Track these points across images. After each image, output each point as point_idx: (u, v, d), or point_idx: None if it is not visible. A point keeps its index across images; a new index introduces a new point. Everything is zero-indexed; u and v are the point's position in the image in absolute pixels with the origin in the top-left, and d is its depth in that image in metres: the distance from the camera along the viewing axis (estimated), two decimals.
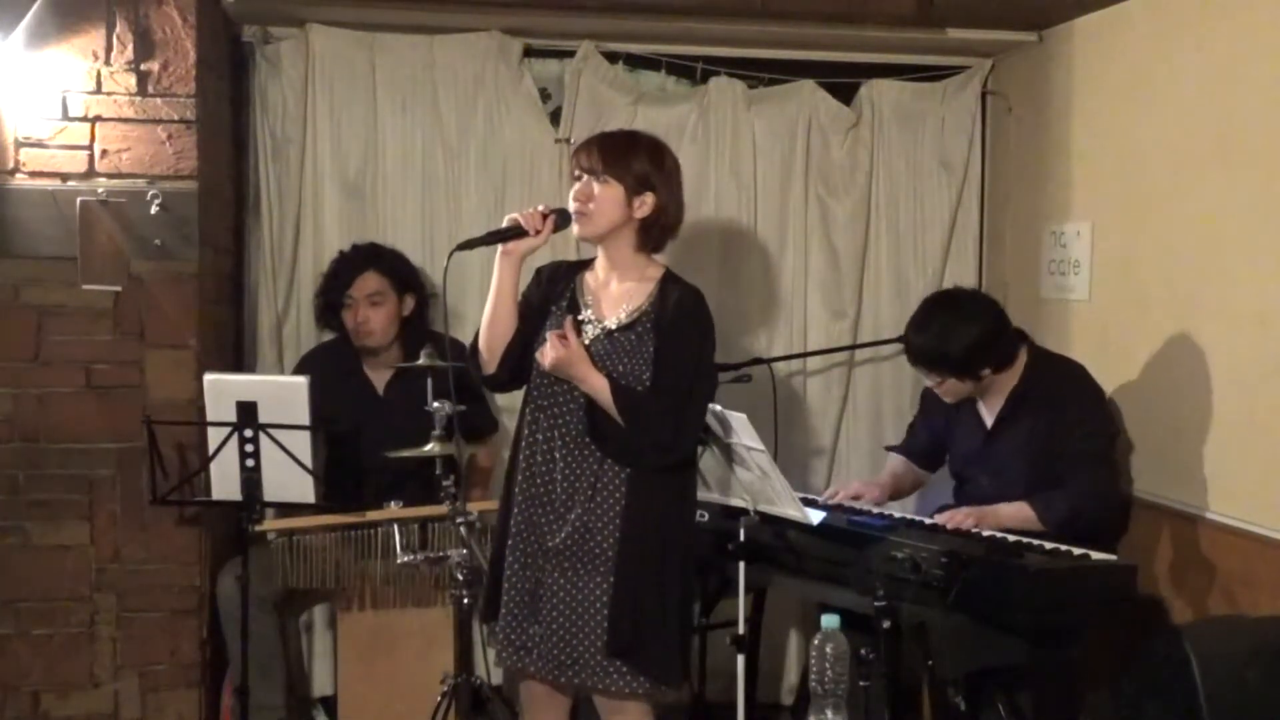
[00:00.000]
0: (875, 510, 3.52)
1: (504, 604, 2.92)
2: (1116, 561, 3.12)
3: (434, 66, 4.17)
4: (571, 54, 4.25)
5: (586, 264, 3.04)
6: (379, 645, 3.59)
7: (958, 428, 3.62)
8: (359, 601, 3.59)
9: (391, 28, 4.14)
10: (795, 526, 3.16)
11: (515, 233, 2.87)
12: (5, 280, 3.60)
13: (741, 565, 3.07)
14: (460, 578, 3.05)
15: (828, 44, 4.32)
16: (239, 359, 4.16)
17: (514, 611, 2.90)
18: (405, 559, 3.26)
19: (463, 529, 3.04)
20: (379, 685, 3.58)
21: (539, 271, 3.06)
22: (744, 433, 3.00)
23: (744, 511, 3.12)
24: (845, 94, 4.45)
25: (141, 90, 3.61)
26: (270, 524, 3.43)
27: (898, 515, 3.45)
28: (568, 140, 4.17)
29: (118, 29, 3.60)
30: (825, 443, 4.45)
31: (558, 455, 2.88)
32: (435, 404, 3.02)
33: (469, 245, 2.92)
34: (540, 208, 2.91)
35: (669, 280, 2.94)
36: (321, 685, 4.03)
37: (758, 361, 4.13)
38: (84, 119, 3.60)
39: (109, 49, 3.60)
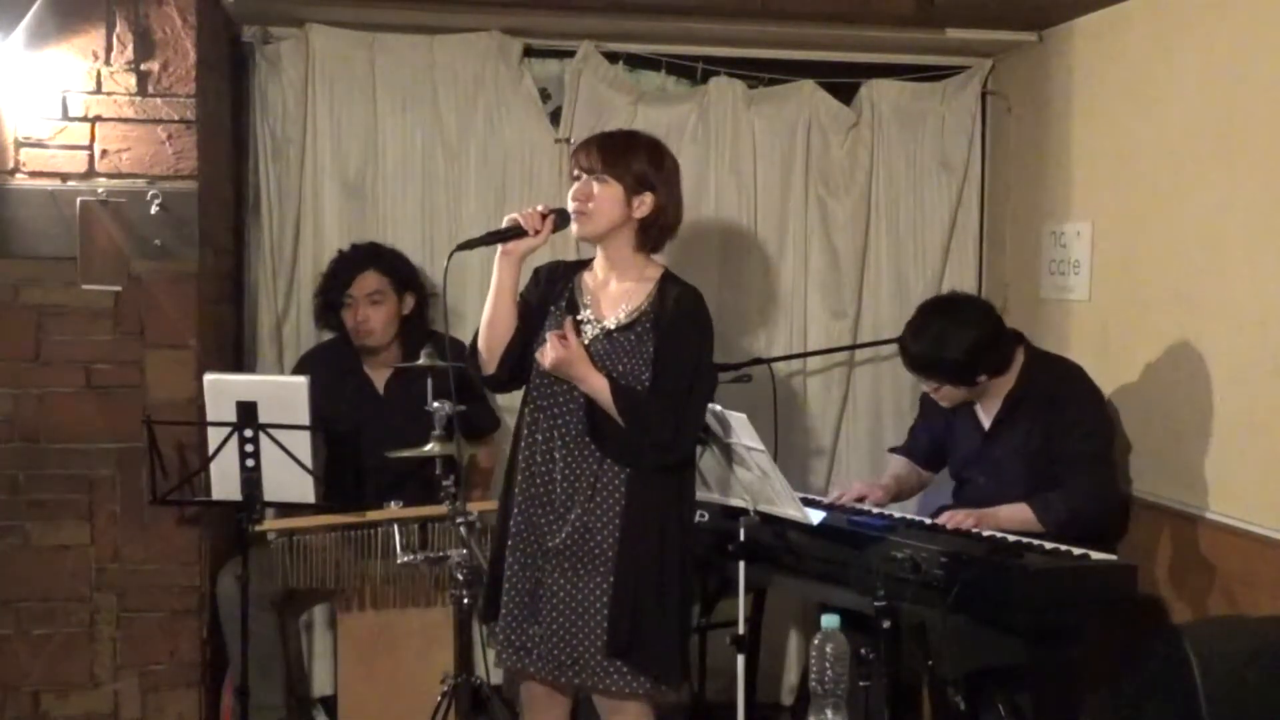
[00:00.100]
0: (875, 510, 3.52)
1: (504, 604, 2.92)
2: (1116, 561, 3.12)
3: (434, 66, 4.17)
4: (571, 54, 4.25)
5: (585, 264, 3.04)
6: (379, 645, 3.59)
7: (956, 429, 3.63)
8: (359, 601, 3.59)
9: (391, 28, 4.14)
10: (795, 526, 3.16)
11: (515, 233, 2.87)
12: (5, 280, 3.59)
13: (741, 565, 3.07)
14: (460, 578, 3.05)
15: (828, 44, 4.32)
16: (239, 359, 4.16)
17: (514, 612, 2.90)
18: (405, 559, 3.26)
19: (463, 529, 3.03)
20: (379, 685, 3.58)
21: (537, 271, 3.06)
22: (744, 433, 3.00)
23: (744, 511, 3.11)
24: (845, 94, 4.45)
25: (141, 90, 3.61)
26: (270, 524, 3.43)
27: (898, 515, 3.45)
28: (568, 140, 4.17)
29: (118, 29, 3.60)
30: (825, 443, 4.45)
31: (557, 455, 2.88)
32: (435, 404, 3.02)
33: (469, 245, 2.92)
34: (540, 208, 2.92)
35: (668, 280, 2.94)
36: (321, 685, 4.03)
37: (758, 361, 4.13)
38: (84, 119, 3.60)
39: (109, 49, 3.60)
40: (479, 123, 4.21)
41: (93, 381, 3.63)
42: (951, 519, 3.31)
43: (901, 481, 3.77)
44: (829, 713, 2.22)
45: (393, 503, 3.41)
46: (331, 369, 3.80)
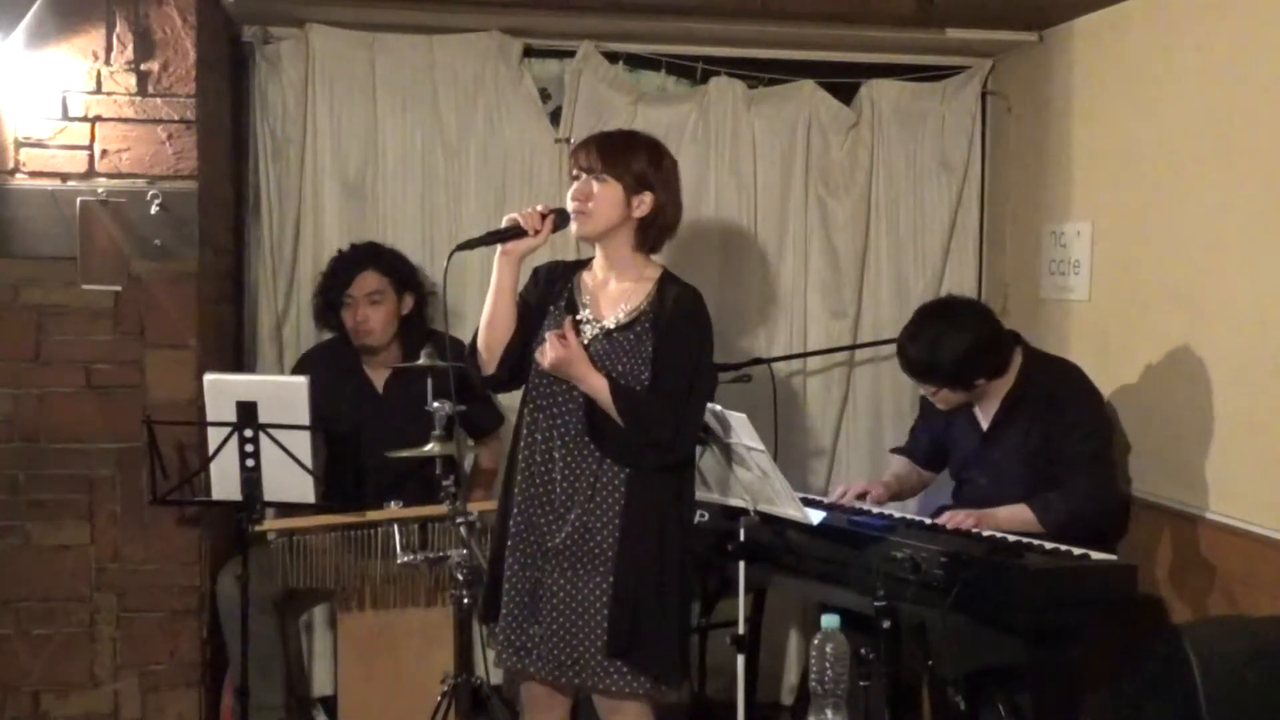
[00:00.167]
0: (875, 510, 3.52)
1: (504, 604, 2.92)
2: (1116, 561, 3.12)
3: (434, 66, 4.17)
4: (571, 54, 4.25)
5: (584, 264, 3.04)
6: (379, 645, 3.59)
7: (956, 430, 3.63)
8: (359, 601, 3.59)
9: (391, 28, 4.14)
10: (795, 526, 3.16)
11: (514, 233, 2.87)
12: (5, 280, 3.59)
13: (741, 565, 3.07)
14: (460, 578, 3.04)
15: (828, 44, 4.32)
16: (239, 359, 4.16)
17: (514, 612, 2.90)
18: (405, 559, 3.26)
19: (463, 529, 3.03)
20: (379, 685, 3.58)
21: (536, 271, 3.06)
22: (744, 433, 3.00)
23: (744, 511, 3.11)
24: (845, 94, 4.45)
25: (141, 90, 3.61)
26: (270, 524, 3.43)
27: (898, 515, 3.45)
28: (568, 140, 4.16)
29: (118, 29, 3.60)
30: (825, 443, 4.45)
31: (557, 455, 2.88)
32: (435, 404, 3.02)
33: (468, 245, 2.92)
34: (539, 207, 2.91)
35: (667, 280, 2.94)
36: (321, 685, 4.04)
37: (758, 361, 4.13)
38: (84, 119, 3.60)
39: (109, 49, 3.60)
40: (479, 123, 4.21)
41: (93, 381, 3.63)
42: (951, 519, 3.31)
43: (902, 480, 3.78)
44: (829, 713, 2.22)
45: (393, 503, 3.41)
46: (331, 369, 3.80)
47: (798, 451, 4.38)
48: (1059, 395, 3.43)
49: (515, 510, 2.92)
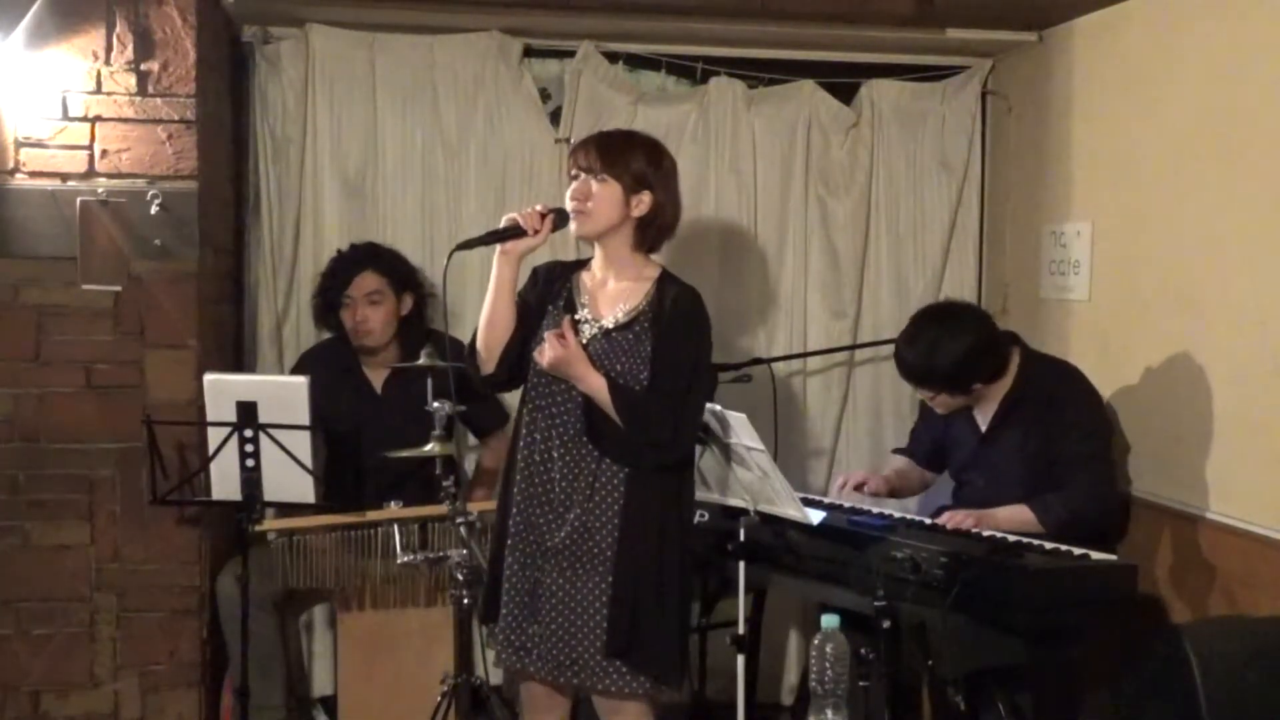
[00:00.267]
0: (875, 510, 3.53)
1: (503, 604, 2.92)
2: (1116, 561, 3.12)
3: (434, 66, 4.17)
4: (571, 54, 4.25)
5: (583, 264, 3.04)
6: (379, 645, 3.59)
7: (955, 431, 3.63)
8: (359, 601, 3.59)
9: (391, 28, 4.14)
10: (795, 526, 3.16)
11: (514, 232, 2.87)
12: (5, 280, 3.59)
13: (741, 565, 3.07)
14: (460, 578, 3.05)
15: (828, 44, 4.32)
16: (239, 359, 4.16)
17: (513, 612, 2.90)
18: (405, 559, 3.26)
19: (463, 529, 3.03)
20: (379, 685, 3.58)
21: (535, 271, 3.06)
22: (744, 433, 3.00)
23: (744, 511, 3.11)
24: (845, 94, 4.45)
25: (141, 90, 3.61)
26: (270, 524, 3.43)
27: (898, 515, 3.45)
28: (568, 140, 4.16)
29: (118, 29, 3.60)
30: (825, 443, 4.45)
31: (556, 455, 2.88)
32: (435, 404, 3.02)
33: (468, 245, 2.92)
34: (538, 207, 2.91)
35: (666, 280, 2.94)
36: (321, 685, 4.03)
37: (758, 361, 4.13)
38: (84, 119, 3.60)
39: (109, 49, 3.60)
40: (479, 123, 4.21)
41: (93, 381, 3.63)
42: (951, 519, 3.31)
43: (904, 477, 3.78)
44: (829, 713, 2.22)
45: (393, 503, 3.42)
46: (330, 368, 3.80)
47: (798, 451, 4.38)
48: (1057, 396, 3.43)
49: (514, 510, 2.92)
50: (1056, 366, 3.59)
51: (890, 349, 4.32)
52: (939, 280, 4.46)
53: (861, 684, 2.62)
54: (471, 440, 4.16)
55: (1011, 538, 3.17)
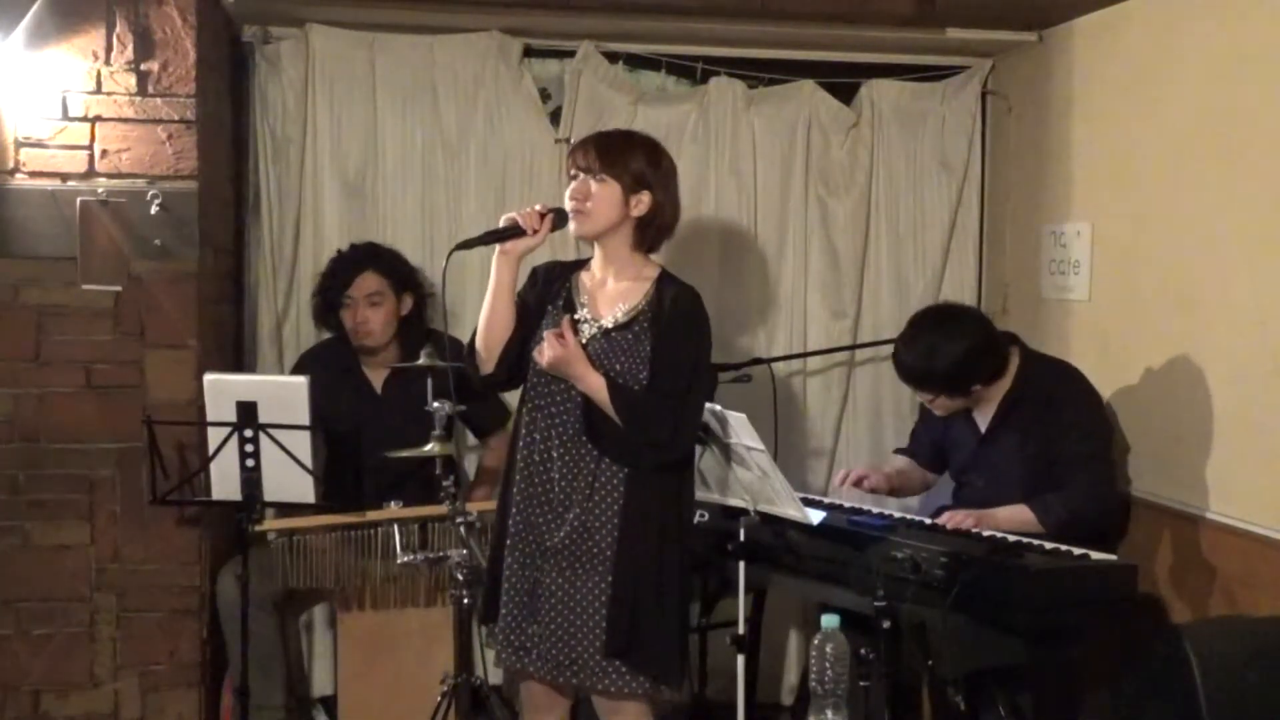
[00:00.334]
0: (875, 510, 3.53)
1: (503, 604, 2.92)
2: (1116, 561, 3.12)
3: (434, 66, 4.17)
4: (571, 54, 4.25)
5: (582, 264, 3.04)
6: (379, 645, 3.59)
7: (954, 432, 3.63)
8: (359, 601, 3.59)
9: (391, 28, 4.14)
10: (795, 526, 3.16)
11: (513, 232, 2.87)
12: (5, 280, 3.59)
13: (741, 565, 3.07)
14: (460, 578, 3.04)
15: (828, 44, 4.32)
16: (239, 359, 4.16)
17: (513, 611, 2.90)
18: (405, 559, 3.26)
19: (463, 529, 3.03)
20: (379, 685, 3.58)
21: (534, 271, 3.06)
22: (744, 433, 3.00)
23: (744, 511, 3.11)
24: (845, 94, 4.45)
25: (141, 90, 3.61)
26: (270, 524, 3.43)
27: (898, 515, 3.45)
28: (568, 140, 4.16)
29: (118, 29, 3.60)
30: (825, 443, 4.45)
31: (555, 454, 2.88)
32: (435, 404, 3.02)
33: (467, 245, 2.92)
34: (538, 207, 2.91)
35: (665, 280, 2.94)
36: (321, 685, 4.04)
37: (758, 361, 4.13)
38: (84, 119, 3.60)
39: (109, 49, 3.60)
40: (479, 123, 4.21)
41: (93, 381, 3.63)
42: (951, 519, 3.31)
43: (905, 475, 3.78)
44: (829, 713, 2.22)
45: (393, 503, 3.42)
46: (330, 368, 3.80)
47: (798, 451, 4.38)
48: (1056, 397, 3.43)
49: (514, 509, 2.92)
50: (1056, 367, 3.59)
51: (890, 349, 4.34)
52: (939, 280, 4.46)
53: (861, 684, 2.62)
54: (471, 440, 4.16)
55: (1011, 538, 3.17)
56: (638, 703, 2.89)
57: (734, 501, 3.16)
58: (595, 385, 2.80)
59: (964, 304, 4.14)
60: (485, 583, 2.99)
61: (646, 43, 4.32)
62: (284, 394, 3.27)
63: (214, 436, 3.27)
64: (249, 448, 3.25)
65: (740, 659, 3.11)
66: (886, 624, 2.89)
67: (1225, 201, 3.32)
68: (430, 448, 3.02)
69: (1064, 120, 4.06)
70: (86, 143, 3.60)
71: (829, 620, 2.27)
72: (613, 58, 4.30)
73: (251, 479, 3.27)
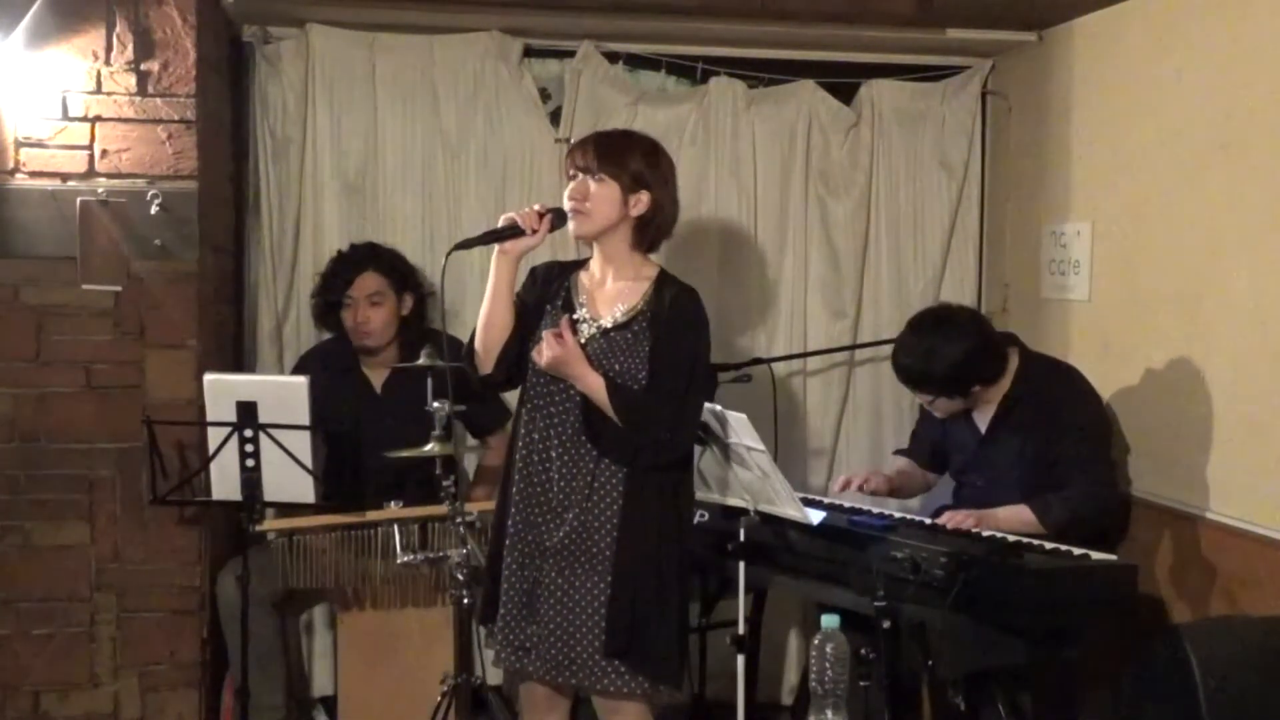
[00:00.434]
0: (875, 510, 3.53)
1: (502, 604, 2.92)
2: (1116, 561, 3.11)
3: (434, 66, 4.17)
4: (571, 54, 4.25)
5: (581, 264, 3.04)
6: (379, 645, 3.59)
7: (954, 433, 3.63)
8: (359, 601, 3.59)
9: (391, 28, 4.14)
10: (795, 526, 3.16)
11: (512, 232, 2.87)
12: (5, 280, 3.59)
13: (741, 565, 3.07)
14: (460, 578, 3.04)
15: (828, 44, 4.32)
16: (239, 359, 4.16)
17: (512, 611, 2.90)
18: (405, 559, 3.26)
19: (462, 529, 3.03)
20: (379, 685, 3.58)
21: (534, 271, 3.06)
22: (744, 433, 3.00)
23: (744, 511, 3.12)
24: (845, 94, 4.45)
25: (141, 90, 3.61)
26: (270, 524, 3.43)
27: (898, 515, 3.45)
28: (568, 140, 4.15)
29: (118, 29, 3.60)
30: (825, 443, 4.45)
31: (554, 454, 2.88)
32: (435, 404, 3.02)
33: (466, 245, 2.92)
34: (537, 207, 2.91)
35: (664, 279, 2.94)
36: (321, 685, 4.04)
37: (758, 361, 4.13)
38: (84, 119, 3.60)
39: (109, 49, 3.60)
40: (479, 123, 4.21)
41: (93, 381, 3.63)
42: (951, 519, 3.31)
43: (906, 476, 3.78)
44: (829, 713, 2.22)
45: (393, 503, 3.42)
46: (330, 368, 3.80)
47: (798, 451, 4.38)
48: (1056, 397, 3.43)
49: (513, 510, 2.92)
50: (1055, 367, 3.59)
51: (890, 349, 4.34)
52: (939, 280, 4.46)
53: (861, 684, 2.62)
54: (471, 440, 4.16)
55: (1011, 538, 3.17)
56: (637, 703, 2.88)
57: (734, 501, 3.16)
58: (594, 385, 2.80)
59: (962, 305, 4.13)
60: (484, 583, 2.99)
61: (646, 43, 4.32)
62: (284, 394, 3.27)
63: (214, 436, 3.27)
64: (249, 448, 3.25)
65: (740, 659, 3.11)
66: (886, 624, 2.89)
67: (1225, 201, 3.32)
68: (430, 448, 3.03)
69: (1064, 120, 4.06)
70: (86, 143, 3.60)
71: (829, 620, 2.27)
72: (613, 58, 4.30)
73: (251, 479, 3.27)
